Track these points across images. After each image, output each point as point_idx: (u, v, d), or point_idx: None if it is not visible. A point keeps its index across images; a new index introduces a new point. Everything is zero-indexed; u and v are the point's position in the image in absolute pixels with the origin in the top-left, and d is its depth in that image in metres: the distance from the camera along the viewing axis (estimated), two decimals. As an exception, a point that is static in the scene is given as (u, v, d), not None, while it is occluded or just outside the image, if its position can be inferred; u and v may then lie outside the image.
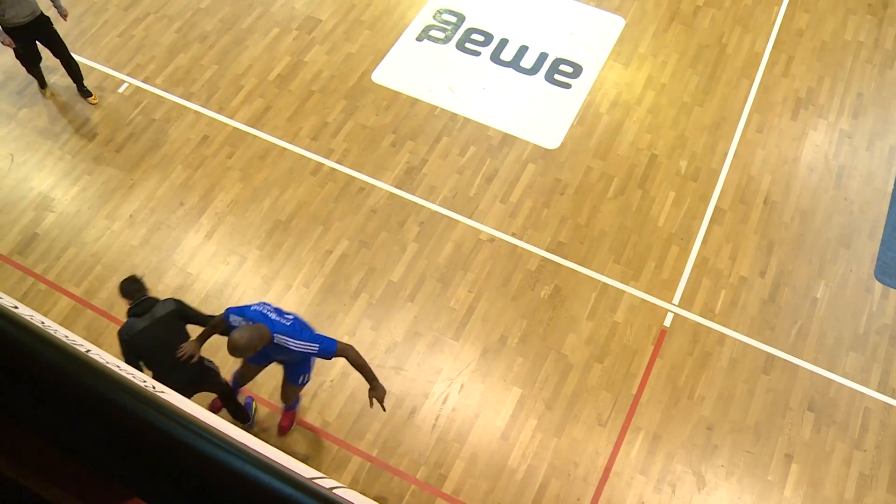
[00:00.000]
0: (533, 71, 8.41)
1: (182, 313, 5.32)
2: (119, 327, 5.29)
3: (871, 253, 7.54)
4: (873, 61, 8.94)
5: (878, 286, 7.37)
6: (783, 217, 7.63)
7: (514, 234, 7.32)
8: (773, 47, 8.89)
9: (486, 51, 8.54)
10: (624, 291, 7.08)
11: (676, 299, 7.07)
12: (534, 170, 7.69)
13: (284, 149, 7.93)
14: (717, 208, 7.60)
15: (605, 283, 7.11)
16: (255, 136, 8.03)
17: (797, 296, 7.19)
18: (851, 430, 6.61)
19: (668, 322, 6.95)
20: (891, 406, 6.74)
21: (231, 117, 8.18)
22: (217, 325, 5.23)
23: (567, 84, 8.33)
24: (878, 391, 6.83)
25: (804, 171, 7.98)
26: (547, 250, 7.24)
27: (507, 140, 7.88)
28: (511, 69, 8.40)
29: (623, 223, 7.42)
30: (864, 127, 8.37)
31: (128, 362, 4.99)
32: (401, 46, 8.60)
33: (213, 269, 7.19)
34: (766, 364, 6.86)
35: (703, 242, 7.38)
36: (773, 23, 9.13)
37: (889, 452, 6.52)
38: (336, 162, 7.82)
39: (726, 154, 7.94)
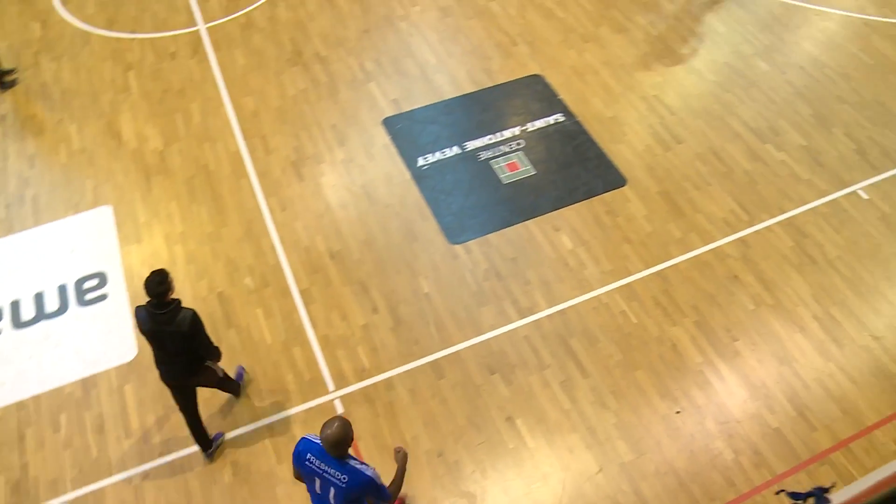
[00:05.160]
0: (63, 308, 8.15)
1: (193, 335, 5.99)
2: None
3: (434, 230, 8.54)
4: (322, 96, 10.09)
5: (459, 248, 8.39)
6: (354, 257, 8.32)
7: (160, 455, 7.06)
8: (244, 138, 9.60)
9: (4, 324, 8.08)
10: (288, 416, 7.21)
11: (331, 386, 7.37)
12: (133, 388, 7.49)
13: None
14: (301, 292, 8.04)
15: (267, 425, 7.16)
16: None
17: (412, 304, 7.90)
18: (530, 361, 7.47)
19: (340, 409, 7.21)
20: (537, 320, 7.73)
21: None
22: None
23: (103, 296, 8.22)
24: (521, 319, 7.79)
25: (340, 211, 8.76)
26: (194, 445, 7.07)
27: (87, 384, 7.56)
28: (42, 321, 8.07)
29: (239, 363, 7.51)
30: (354, 146, 9.43)
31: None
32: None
33: None
34: (435, 372, 7.45)
35: (313, 326, 7.77)
36: (229, 120, 9.84)
37: (561, 350, 7.50)
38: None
39: (273, 246, 8.43)
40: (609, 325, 7.76)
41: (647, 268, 8.25)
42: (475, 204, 8.86)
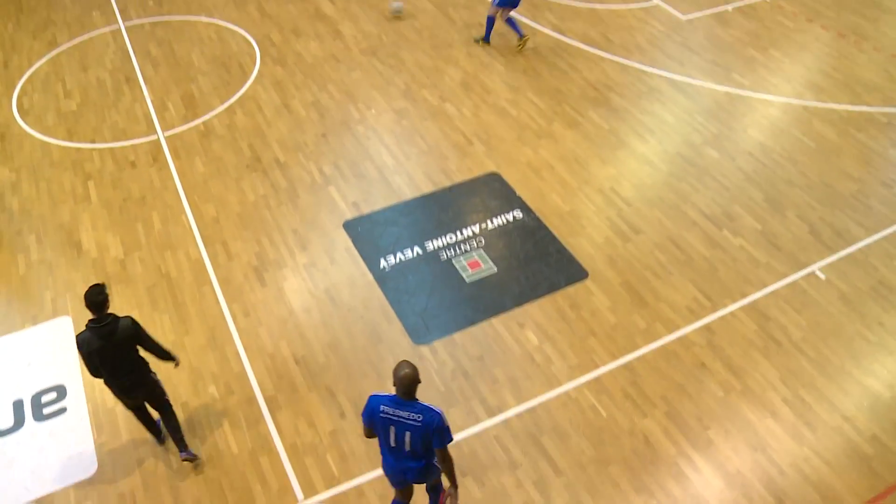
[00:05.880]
0: (18, 425, 7.91)
1: (138, 338, 6.50)
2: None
3: (399, 331, 8.50)
4: (282, 201, 10.17)
5: (424, 349, 8.34)
6: (319, 362, 8.23)
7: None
8: (205, 245, 9.57)
9: (-42, 448, 7.79)
10: (256, 530, 6.96)
11: (300, 495, 7.18)
12: (92, 507, 7.21)
13: None
14: (267, 399, 7.90)
15: (235, 541, 6.90)
16: None
17: (380, 408, 7.73)
18: (501, 461, 7.36)
19: (309, 519, 7.00)
20: (507, 419, 7.65)
21: None
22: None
23: (62, 409, 8.02)
24: (490, 418, 7.71)
25: (304, 316, 8.70)
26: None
27: (44, 505, 7.27)
28: (-4, 442, 7.79)
29: (204, 474, 7.29)
30: (316, 250, 9.44)
31: (88, 368, 6.49)
32: None
33: None
34: (406, 477, 7.23)
35: (279, 434, 7.61)
36: (190, 227, 9.83)
37: (532, 448, 7.40)
38: None
39: (238, 354, 8.31)
40: (579, 421, 7.70)
41: (614, 360, 8.26)
42: (439, 304, 8.86)
